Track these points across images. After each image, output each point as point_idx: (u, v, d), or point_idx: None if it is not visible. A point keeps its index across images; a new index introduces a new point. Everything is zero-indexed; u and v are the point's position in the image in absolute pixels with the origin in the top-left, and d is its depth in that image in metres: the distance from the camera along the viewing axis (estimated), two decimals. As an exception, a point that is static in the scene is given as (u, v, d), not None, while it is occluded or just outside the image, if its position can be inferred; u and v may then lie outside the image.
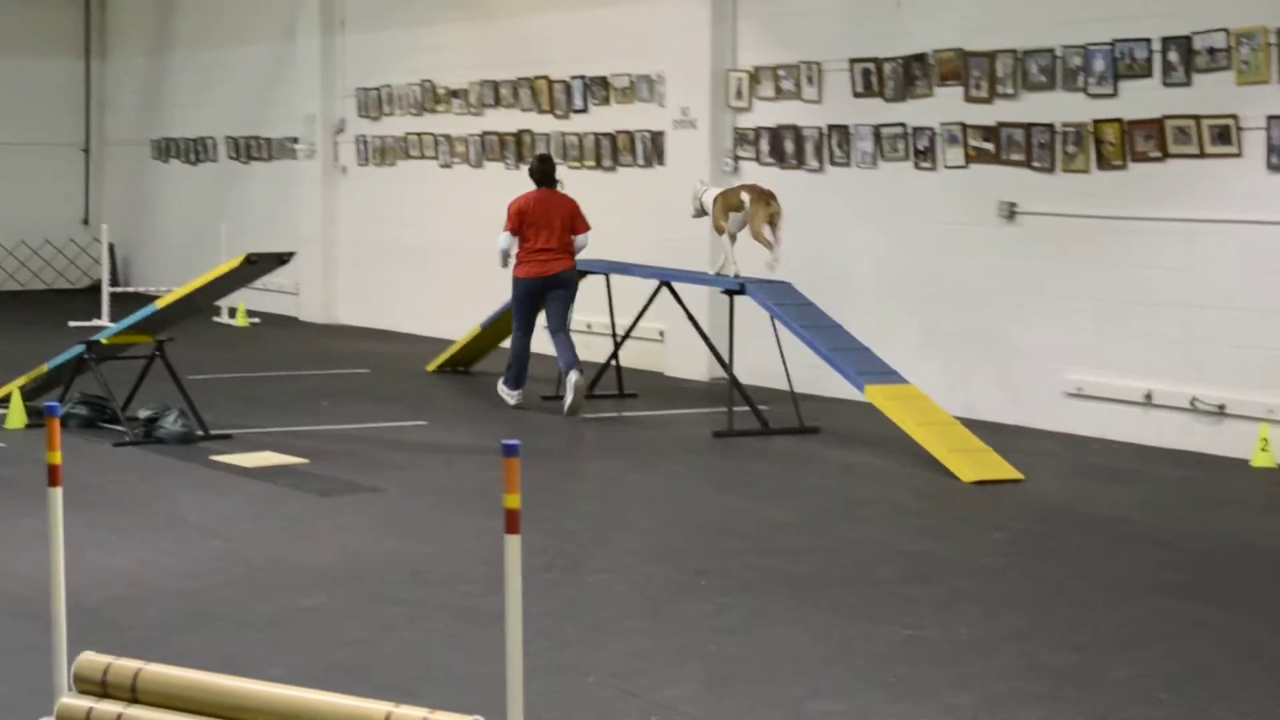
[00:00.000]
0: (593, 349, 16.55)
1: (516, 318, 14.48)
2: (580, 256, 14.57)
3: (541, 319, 14.44)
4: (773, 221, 13.36)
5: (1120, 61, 12.97)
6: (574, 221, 14.42)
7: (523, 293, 14.33)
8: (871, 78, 14.90)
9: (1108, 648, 7.40)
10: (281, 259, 12.78)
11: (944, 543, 9.58)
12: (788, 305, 13.26)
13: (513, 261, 14.43)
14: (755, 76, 16.02)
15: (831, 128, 15.36)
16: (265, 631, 7.57)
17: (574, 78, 18.09)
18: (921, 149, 14.51)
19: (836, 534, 9.79)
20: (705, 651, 7.28)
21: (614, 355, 15.18)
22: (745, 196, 13.54)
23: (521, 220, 14.28)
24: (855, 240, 15.23)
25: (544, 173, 14.62)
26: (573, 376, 13.88)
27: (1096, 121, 13.16)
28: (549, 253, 14.23)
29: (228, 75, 24.25)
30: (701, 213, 14.11)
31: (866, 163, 15.05)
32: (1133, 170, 12.98)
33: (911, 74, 14.55)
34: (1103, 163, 13.15)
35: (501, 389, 14.60)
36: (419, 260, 20.46)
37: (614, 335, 15.21)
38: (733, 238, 13.81)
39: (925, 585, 8.53)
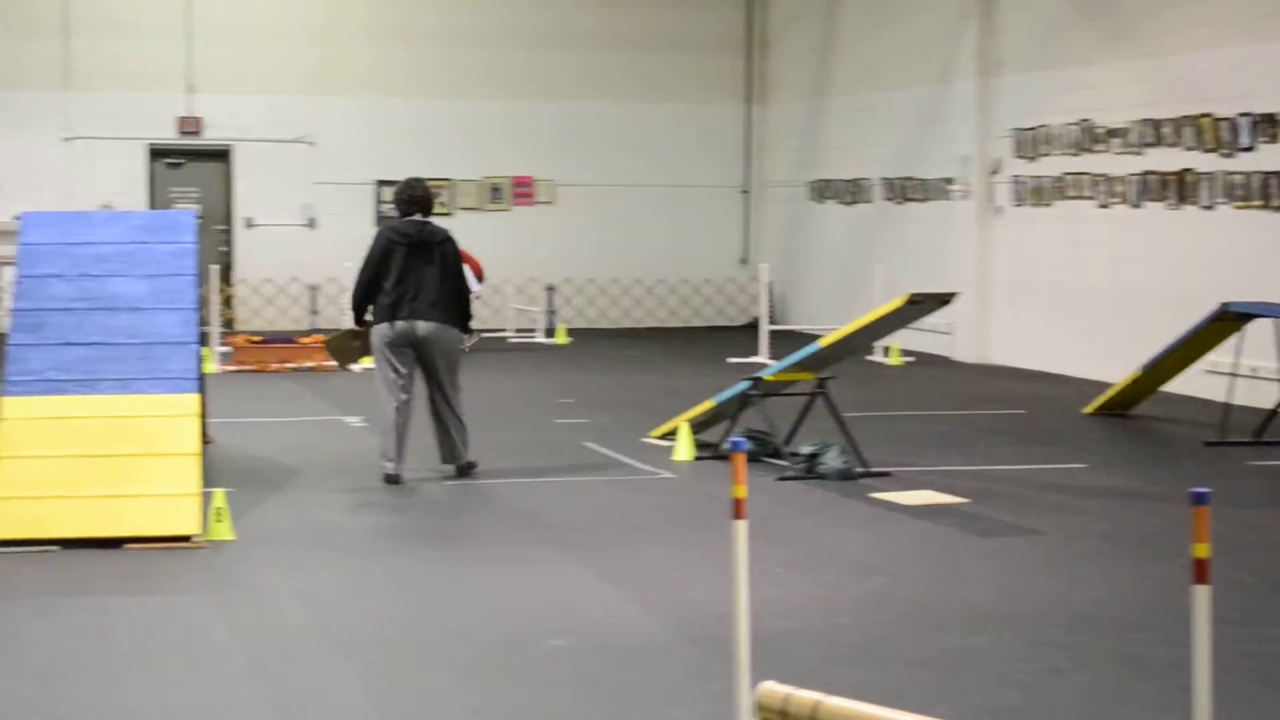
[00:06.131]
0: (1259, 394, 15.98)
1: None
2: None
3: None
4: None
5: None
6: None
7: None
8: None
9: None
10: (943, 300, 12.82)
11: None
12: None
13: None
14: None
15: None
16: (931, 669, 7.60)
17: (1241, 115, 17.51)
18: None
19: None
20: (1394, 716, 6.92)
21: (1281, 401, 14.65)
22: None
23: None
24: None
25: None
26: None
27: None
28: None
29: (884, 117, 24.59)
30: None
31: None
32: None
33: None
34: None
35: None
36: (1075, 301, 20.20)
37: (1282, 380, 14.68)
38: None
39: None
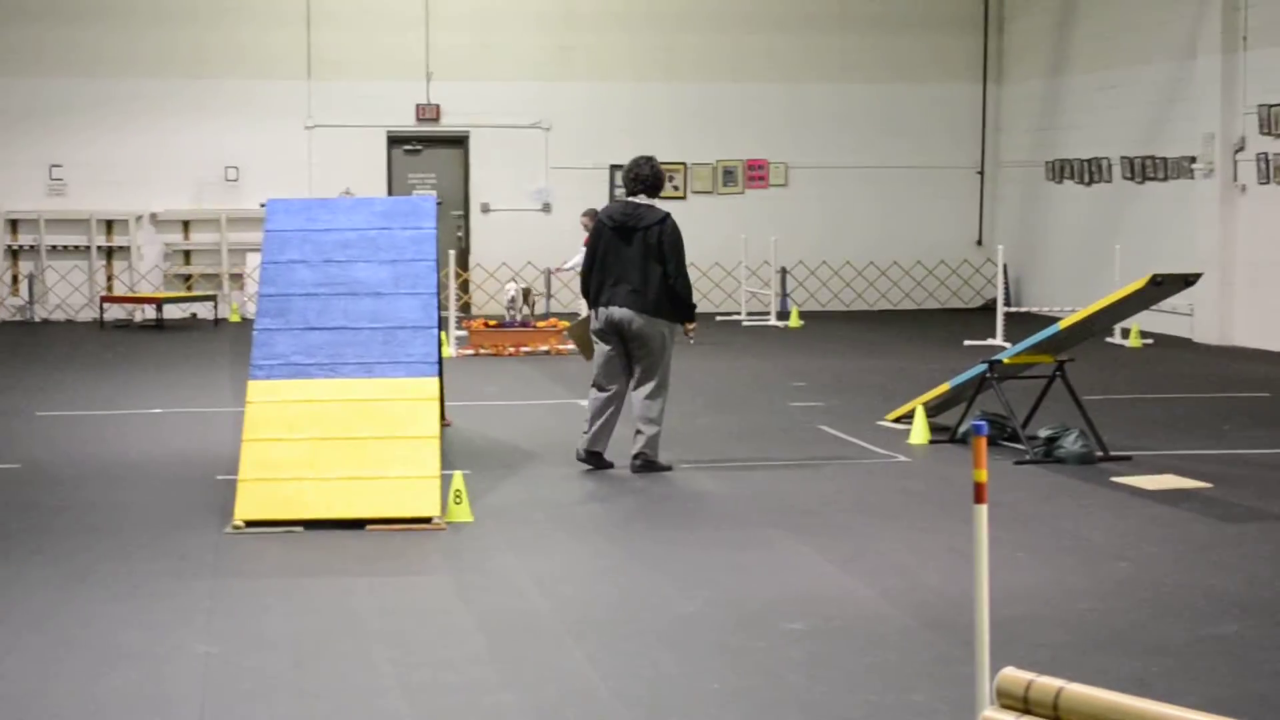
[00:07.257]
0: None
1: None
2: None
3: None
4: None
5: None
6: None
7: None
8: None
9: None
10: (1188, 280, 12.55)
11: None
12: None
13: None
14: None
15: None
16: (1176, 657, 7.45)
17: None
18: None
19: None
20: None
21: None
22: None
23: None
24: None
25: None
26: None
27: None
28: None
29: (1123, 95, 24.14)
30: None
31: None
32: None
33: None
34: None
35: None
36: (1322, 281, 19.68)
37: None
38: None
39: None
